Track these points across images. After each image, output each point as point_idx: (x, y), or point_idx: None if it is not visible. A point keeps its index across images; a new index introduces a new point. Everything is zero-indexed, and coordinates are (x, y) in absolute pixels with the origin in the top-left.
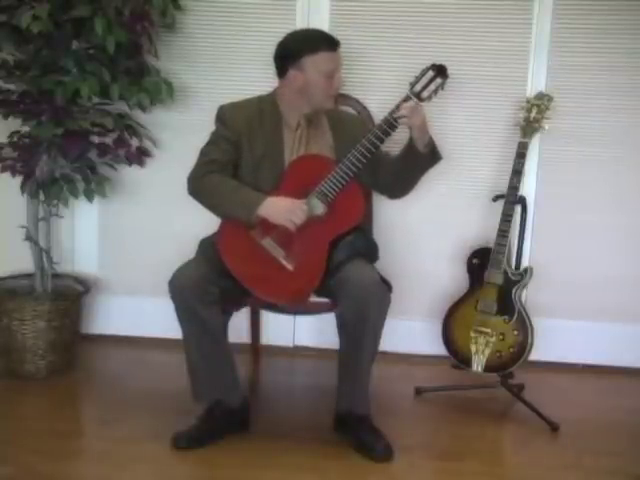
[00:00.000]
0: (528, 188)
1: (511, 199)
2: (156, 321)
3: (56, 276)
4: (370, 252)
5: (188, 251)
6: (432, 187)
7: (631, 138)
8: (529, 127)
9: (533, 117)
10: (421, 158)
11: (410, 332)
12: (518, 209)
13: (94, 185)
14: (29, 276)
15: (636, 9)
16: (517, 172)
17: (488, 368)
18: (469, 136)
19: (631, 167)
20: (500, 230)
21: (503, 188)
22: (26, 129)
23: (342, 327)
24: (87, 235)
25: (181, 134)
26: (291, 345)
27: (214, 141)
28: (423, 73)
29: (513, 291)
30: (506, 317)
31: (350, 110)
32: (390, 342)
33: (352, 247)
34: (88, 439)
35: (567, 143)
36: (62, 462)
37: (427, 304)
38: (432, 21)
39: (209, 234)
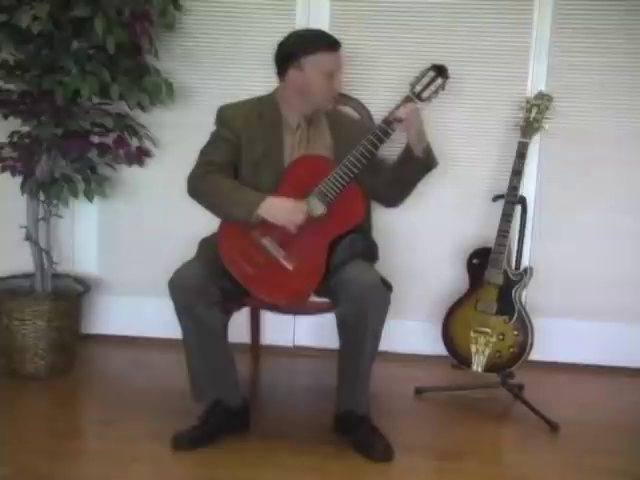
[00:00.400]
0: (528, 188)
1: (511, 199)
2: (156, 321)
3: (56, 276)
4: (370, 252)
5: (188, 251)
6: (432, 187)
7: (631, 138)
8: (529, 127)
9: (533, 117)
10: (418, 163)
11: (410, 332)
12: (518, 209)
13: (94, 185)
14: (29, 276)
15: (636, 9)
16: (517, 172)
17: (488, 368)
18: (469, 136)
19: (631, 167)
20: (500, 230)
21: (503, 188)
22: (26, 129)
23: (342, 327)
24: (87, 235)
25: (181, 134)
26: (291, 345)
27: (214, 142)
28: (423, 73)
29: (513, 291)
30: (506, 317)
31: (351, 110)
32: (390, 342)
33: (352, 247)
34: (88, 439)
35: (567, 143)
36: (62, 462)
37: (427, 304)
38: (432, 21)
39: (209, 234)
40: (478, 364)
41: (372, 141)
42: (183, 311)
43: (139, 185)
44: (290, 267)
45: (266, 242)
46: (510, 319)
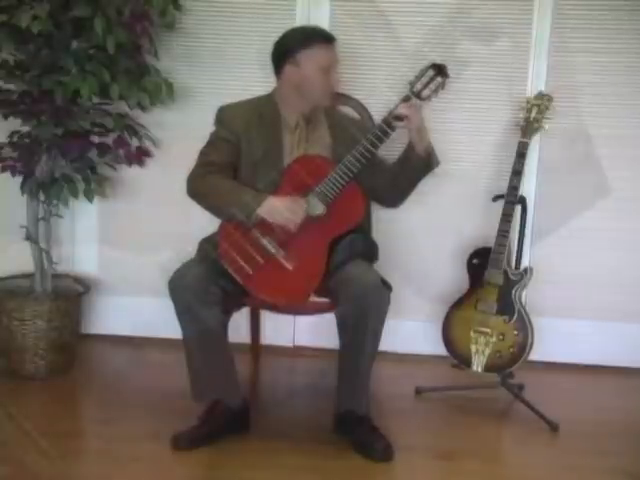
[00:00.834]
0: (528, 188)
1: (511, 199)
2: (156, 321)
3: (56, 276)
4: (370, 252)
5: (188, 251)
6: (432, 187)
7: (631, 138)
8: (529, 127)
9: (533, 117)
10: (419, 162)
11: (410, 332)
12: (518, 209)
13: (94, 185)
14: (29, 276)
15: (636, 9)
16: (517, 172)
17: (488, 368)
18: (469, 136)
19: (631, 167)
20: (500, 230)
21: (503, 188)
22: (26, 129)
23: (342, 327)
24: (87, 235)
25: (181, 134)
26: (291, 345)
27: (213, 142)
28: (423, 72)
29: (513, 291)
30: (506, 317)
31: (350, 110)
32: (390, 342)
33: (352, 247)
34: (88, 439)
35: (567, 143)
36: (62, 462)
37: (427, 304)
38: (433, 21)
39: (209, 234)
40: (478, 364)
41: (372, 141)
42: (183, 311)
43: (139, 185)
44: (290, 267)
45: (266, 242)
46: (510, 319)
